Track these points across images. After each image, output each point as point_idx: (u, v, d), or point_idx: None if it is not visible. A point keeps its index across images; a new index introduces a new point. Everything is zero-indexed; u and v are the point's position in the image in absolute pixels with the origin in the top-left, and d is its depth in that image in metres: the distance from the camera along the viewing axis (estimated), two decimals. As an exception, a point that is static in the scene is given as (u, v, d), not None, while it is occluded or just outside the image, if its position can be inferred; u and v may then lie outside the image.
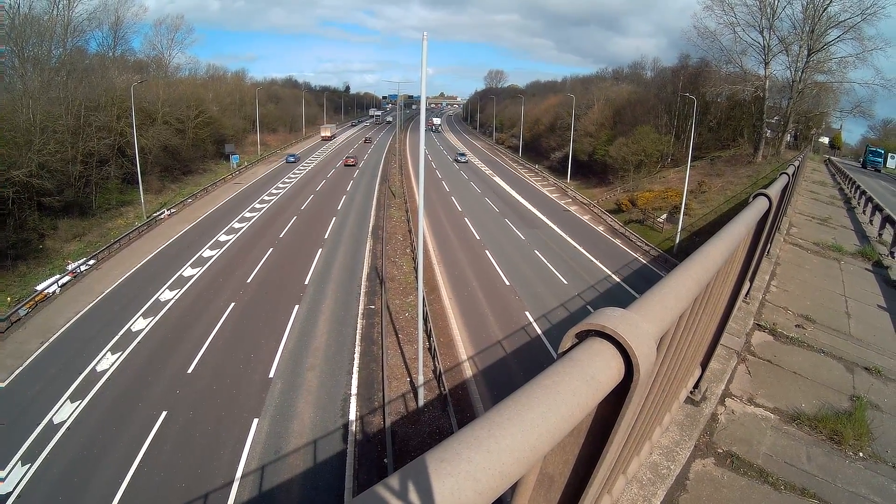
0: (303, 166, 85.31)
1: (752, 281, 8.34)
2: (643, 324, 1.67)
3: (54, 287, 34.55)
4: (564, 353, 1.55)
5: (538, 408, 1.23)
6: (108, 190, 54.12)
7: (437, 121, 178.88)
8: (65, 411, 22.29)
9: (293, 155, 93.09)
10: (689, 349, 3.44)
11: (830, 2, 56.77)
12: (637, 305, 1.95)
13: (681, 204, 49.59)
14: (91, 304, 32.43)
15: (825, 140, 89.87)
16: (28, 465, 19.33)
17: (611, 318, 1.58)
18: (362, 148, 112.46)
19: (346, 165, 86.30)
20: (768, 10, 60.94)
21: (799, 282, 11.02)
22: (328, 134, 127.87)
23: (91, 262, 39.40)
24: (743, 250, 4.74)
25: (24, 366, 25.99)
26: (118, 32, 77.46)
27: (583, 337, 1.61)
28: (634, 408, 1.75)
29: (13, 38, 47.28)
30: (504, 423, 1.16)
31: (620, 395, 1.64)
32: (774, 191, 5.43)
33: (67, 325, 29.94)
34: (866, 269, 13.65)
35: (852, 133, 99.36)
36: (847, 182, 38.39)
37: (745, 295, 8.23)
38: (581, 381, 1.39)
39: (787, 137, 69.55)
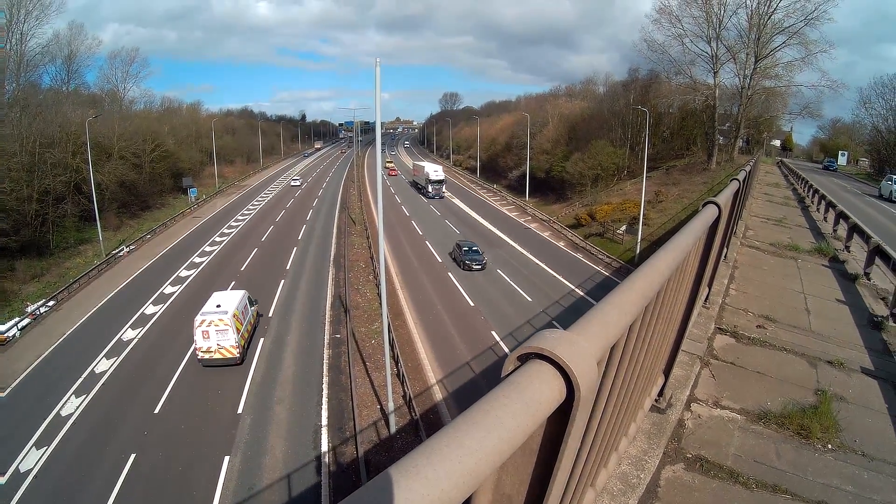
0: (267, 192, 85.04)
1: (710, 286, 8.46)
2: (582, 343, 1.69)
3: (14, 330, 33.62)
4: (507, 376, 1.55)
5: (477, 433, 1.24)
6: (66, 228, 53.04)
7: (433, 172, 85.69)
8: (31, 459, 21.62)
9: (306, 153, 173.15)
10: (647, 358, 3.47)
11: (774, 9, 58.62)
12: (578, 324, 1.97)
13: (639, 215, 50.25)
14: (53, 347, 31.65)
15: (777, 143, 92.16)
16: (-6, 518, 18.78)
17: (548, 340, 1.59)
18: (340, 155, 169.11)
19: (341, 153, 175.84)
20: (714, 21, 62.60)
21: (758, 283, 11.22)
22: (319, 146, 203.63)
23: (51, 303, 38.47)
24: (695, 258, 4.81)
25: (-15, 413, 25.24)
26: (72, 66, 76.42)
27: (525, 359, 1.62)
28: (582, 425, 1.76)
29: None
30: (442, 449, 1.16)
31: (568, 414, 1.65)
32: (724, 198, 5.55)
33: (29, 370, 29.14)
34: (823, 265, 13.96)
35: (803, 134, 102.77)
36: (800, 182, 39.32)
37: (705, 300, 8.35)
38: (521, 403, 1.39)
39: (740, 143, 71.19)
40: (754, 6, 59.82)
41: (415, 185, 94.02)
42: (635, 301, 2.44)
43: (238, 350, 28.10)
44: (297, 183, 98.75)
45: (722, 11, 61.95)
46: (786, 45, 60.02)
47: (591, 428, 2.40)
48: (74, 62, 76.74)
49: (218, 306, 28.70)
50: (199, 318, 27.75)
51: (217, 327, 27.50)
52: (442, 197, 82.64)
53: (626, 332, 2.42)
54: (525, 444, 1.44)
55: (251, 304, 32.84)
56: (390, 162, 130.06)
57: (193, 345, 28.34)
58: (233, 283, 41.19)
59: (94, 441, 22.63)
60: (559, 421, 1.67)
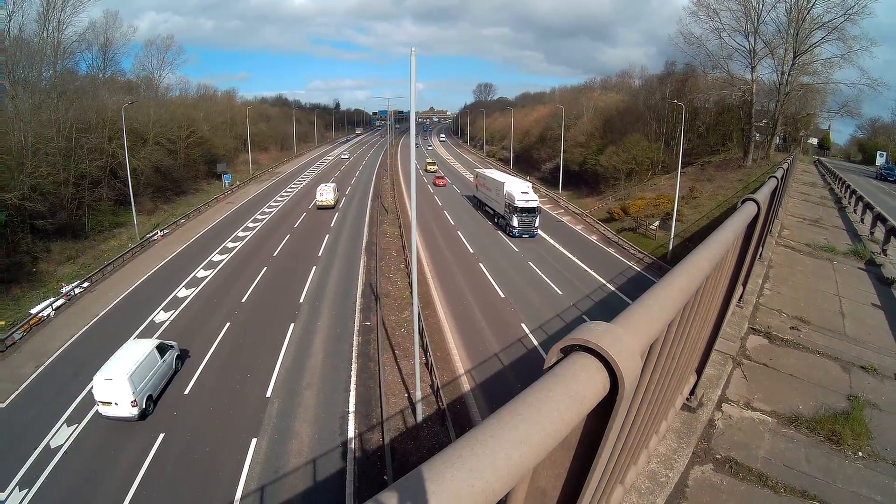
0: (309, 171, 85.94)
1: (744, 285, 8.35)
2: (627, 337, 1.68)
3: (49, 310, 34.36)
4: (549, 368, 1.55)
5: (521, 425, 1.24)
6: (101, 212, 54.06)
7: (520, 195, 53.52)
8: (62, 435, 22.07)
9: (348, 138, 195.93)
10: (682, 356, 3.44)
11: (814, 3, 57.36)
12: (621, 318, 1.95)
13: (673, 210, 49.70)
14: (86, 327, 32.24)
15: (814, 141, 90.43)
16: (26, 490, 19.12)
17: (594, 333, 1.59)
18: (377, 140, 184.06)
19: (381, 136, 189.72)
20: (753, 14, 61.52)
21: (792, 284, 11.05)
22: (359, 132, 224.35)
23: (85, 284, 39.18)
24: (733, 256, 4.75)
25: (19, 390, 25.75)
26: (108, 54, 77.38)
27: (568, 352, 1.61)
28: (621, 420, 1.75)
29: (3, 61, 47.26)
30: (487, 440, 1.16)
31: (608, 408, 1.64)
32: (762, 195, 5.46)
33: (63, 349, 29.73)
34: (859, 267, 13.69)
35: (841, 133, 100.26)
36: (837, 182, 38.57)
37: (739, 299, 8.24)
38: (565, 396, 1.39)
39: (777, 140, 70.00)
40: (793, 0, 58.74)
41: (479, 204, 67.27)
42: (677, 297, 2.43)
43: (334, 201, 65.55)
44: (346, 156, 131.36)
45: (760, 5, 60.92)
46: (825, 41, 58.85)
47: (627, 424, 2.39)
48: (110, 50, 77.69)
49: (325, 185, 66.85)
50: (318, 188, 66.49)
51: (326, 191, 65.39)
52: (534, 235, 53.12)
53: (666, 327, 2.41)
54: (566, 437, 1.44)
55: (338, 189, 70.44)
56: (433, 164, 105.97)
57: (314, 199, 65.94)
58: (265, 268, 41.82)
59: (124, 420, 22.99)
60: (598, 415, 1.67)
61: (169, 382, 25.51)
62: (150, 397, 23.34)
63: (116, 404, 22.15)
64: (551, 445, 1.31)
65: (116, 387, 22.01)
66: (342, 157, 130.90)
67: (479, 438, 1.16)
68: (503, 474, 1.12)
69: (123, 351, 24.43)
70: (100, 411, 22.60)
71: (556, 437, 1.32)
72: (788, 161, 19.98)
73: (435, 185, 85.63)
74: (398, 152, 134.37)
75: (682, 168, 53.59)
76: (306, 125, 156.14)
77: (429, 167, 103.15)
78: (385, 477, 19.50)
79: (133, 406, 22.14)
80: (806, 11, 58.06)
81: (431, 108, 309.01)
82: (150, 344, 25.24)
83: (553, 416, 1.31)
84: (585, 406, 1.48)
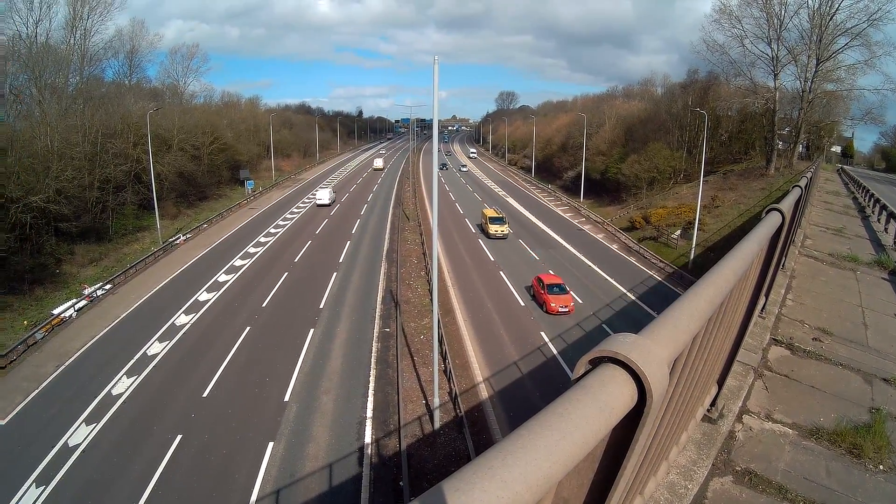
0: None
1: (767, 296, 8.29)
2: (655, 349, 1.69)
3: (71, 311, 34.83)
4: (578, 379, 1.56)
5: (551, 436, 1.25)
6: (125, 215, 54.78)
7: None
8: (80, 434, 22.34)
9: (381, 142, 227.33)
10: (705, 368, 3.44)
11: (836, 9, 56.75)
12: (649, 330, 1.96)
13: (694, 219, 49.33)
14: (107, 329, 32.60)
15: (837, 149, 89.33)
16: (43, 487, 19.35)
17: (623, 345, 1.60)
18: (403, 144, 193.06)
19: (408, 140, 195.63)
20: (776, 21, 60.92)
21: (815, 294, 10.94)
22: (390, 136, 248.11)
23: (107, 286, 39.65)
24: (757, 266, 4.73)
25: (39, 389, 26.11)
26: (133, 61, 79.11)
27: (596, 363, 1.63)
28: (648, 431, 1.76)
29: (31, 67, 48.20)
30: (517, 451, 1.17)
31: (634, 419, 1.65)
32: (787, 205, 5.43)
33: (83, 349, 30.09)
34: (883, 278, 13.50)
35: (864, 141, 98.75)
36: (861, 191, 38.08)
37: (761, 310, 8.17)
38: (594, 407, 1.40)
39: (800, 148, 69.24)
40: (816, 6, 58.05)
41: None
42: (703, 309, 2.43)
43: (382, 167, 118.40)
44: (383, 152, 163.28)
45: (783, 12, 60.29)
46: (848, 47, 58.09)
47: (650, 435, 2.39)
48: (136, 57, 79.56)
49: (378, 158, 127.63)
50: (374, 160, 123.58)
51: (379, 161, 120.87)
52: None
53: (692, 339, 2.41)
54: (593, 448, 1.45)
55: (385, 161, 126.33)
56: (501, 223, 55.47)
57: (373, 164, 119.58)
58: (286, 273, 42.10)
59: (143, 421, 23.23)
60: (624, 427, 1.68)
61: (333, 201, 72.84)
62: (331, 201, 72.28)
63: (322, 199, 71.65)
64: (580, 457, 1.31)
65: (325, 195, 72.08)
66: (381, 152, 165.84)
67: (509, 449, 1.18)
68: (533, 485, 1.13)
69: (323, 188, 78.89)
70: (316, 203, 71.76)
71: (584, 449, 1.33)
72: (812, 170, 19.84)
73: (549, 310, 35.02)
74: (420, 159, 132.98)
75: (704, 177, 53.12)
76: (329, 133, 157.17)
77: (493, 228, 54.86)
78: (401, 483, 19.49)
79: (323, 199, 71.95)
80: (829, 17, 57.43)
81: (454, 116, 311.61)
82: (331, 187, 79.80)
83: (583, 427, 1.33)
84: (614, 417, 1.49)
